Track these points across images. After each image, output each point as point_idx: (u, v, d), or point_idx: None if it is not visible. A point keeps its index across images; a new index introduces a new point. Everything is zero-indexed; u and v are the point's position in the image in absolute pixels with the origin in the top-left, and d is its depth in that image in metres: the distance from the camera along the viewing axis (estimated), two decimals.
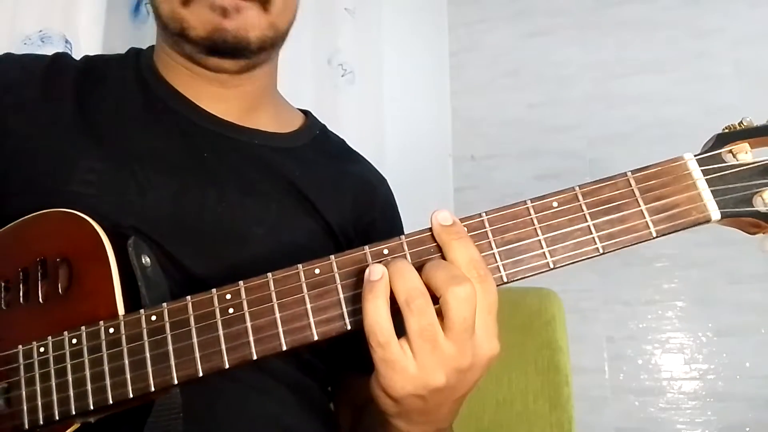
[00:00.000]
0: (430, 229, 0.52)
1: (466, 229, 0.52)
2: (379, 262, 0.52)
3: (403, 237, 0.53)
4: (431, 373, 0.50)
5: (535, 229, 0.52)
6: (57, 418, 0.54)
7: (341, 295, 0.52)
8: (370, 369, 0.52)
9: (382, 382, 0.51)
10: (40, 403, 0.55)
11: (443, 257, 0.51)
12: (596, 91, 2.09)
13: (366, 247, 0.53)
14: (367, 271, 0.50)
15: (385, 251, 0.52)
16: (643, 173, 0.53)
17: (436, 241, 0.52)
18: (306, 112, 0.91)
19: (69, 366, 0.55)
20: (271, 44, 0.75)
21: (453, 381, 0.51)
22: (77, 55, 0.83)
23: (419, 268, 0.50)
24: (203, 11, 0.70)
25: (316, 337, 0.51)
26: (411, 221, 0.87)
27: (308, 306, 0.52)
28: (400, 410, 0.54)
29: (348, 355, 0.77)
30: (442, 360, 0.49)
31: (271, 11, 0.73)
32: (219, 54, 0.73)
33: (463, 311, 0.48)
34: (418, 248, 0.52)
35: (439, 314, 0.49)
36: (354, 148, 0.93)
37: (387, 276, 0.49)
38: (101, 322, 0.55)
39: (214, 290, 0.53)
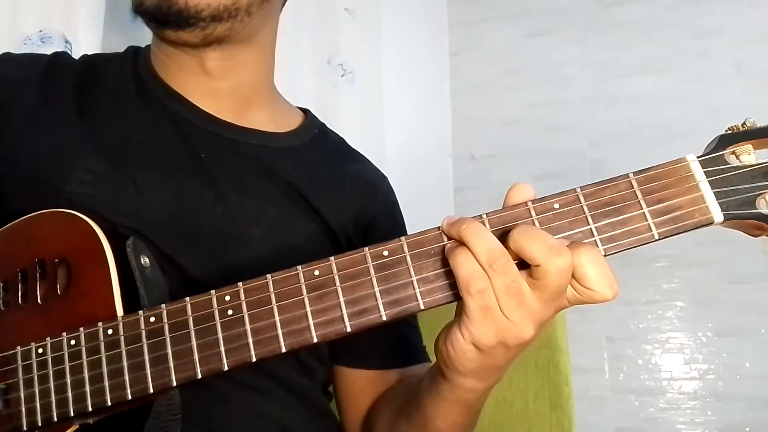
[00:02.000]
0: (431, 230, 0.52)
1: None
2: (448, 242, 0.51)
3: (403, 238, 0.52)
4: (522, 326, 0.50)
5: None
6: (55, 419, 0.54)
7: (341, 297, 0.51)
8: (378, 364, 0.52)
9: (475, 333, 0.51)
10: (38, 405, 0.55)
11: (445, 258, 0.51)
12: (596, 91, 2.09)
13: (366, 248, 0.52)
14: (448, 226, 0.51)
15: (385, 252, 0.52)
16: (645, 175, 0.52)
17: (436, 243, 0.52)
18: (305, 111, 0.90)
19: (67, 367, 0.54)
20: (228, 14, 0.72)
21: (536, 333, 0.51)
22: (77, 56, 0.83)
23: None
24: None
25: (315, 340, 0.51)
26: (411, 221, 0.87)
27: (308, 308, 0.51)
28: (481, 363, 0.54)
29: (357, 352, 0.78)
30: (530, 314, 0.50)
31: None
32: (170, 25, 0.71)
33: (560, 279, 0.49)
34: (418, 249, 0.52)
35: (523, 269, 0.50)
36: (353, 147, 0.93)
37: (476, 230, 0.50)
38: (100, 324, 0.55)
39: (213, 292, 0.53)
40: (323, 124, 0.90)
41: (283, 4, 0.84)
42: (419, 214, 0.90)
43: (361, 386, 0.80)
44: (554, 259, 0.48)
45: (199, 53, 0.75)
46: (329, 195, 0.78)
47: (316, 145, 0.84)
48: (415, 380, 0.69)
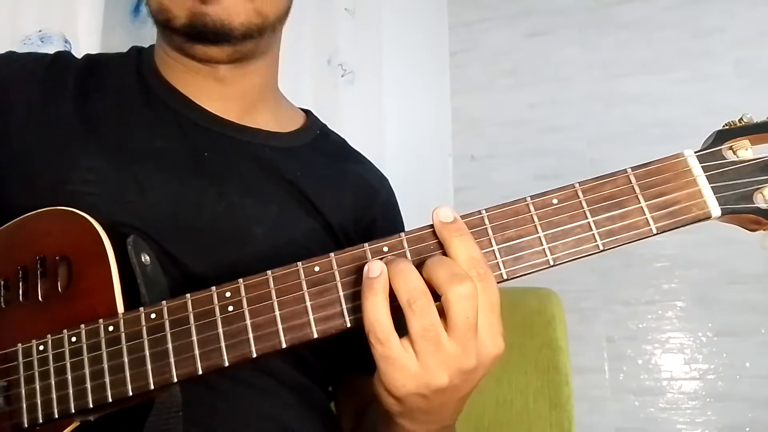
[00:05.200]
0: (431, 226, 0.52)
1: (466, 225, 0.52)
2: (380, 259, 0.51)
3: (402, 234, 0.53)
4: (434, 373, 0.49)
5: (535, 225, 0.52)
6: (56, 416, 0.54)
7: (341, 293, 0.52)
8: (371, 368, 0.52)
9: (384, 381, 0.51)
10: (39, 402, 0.55)
11: (444, 254, 0.51)
12: (596, 91, 2.09)
13: (366, 244, 0.53)
14: (365, 267, 0.50)
15: (385, 248, 0.52)
16: (643, 170, 0.52)
17: (436, 239, 0.52)
18: (307, 111, 0.90)
19: (68, 364, 0.55)
20: (258, 31, 0.73)
21: (457, 381, 0.51)
22: (77, 55, 0.83)
23: (419, 265, 0.50)
24: None
25: (315, 335, 0.51)
26: (411, 221, 0.87)
27: (308, 304, 0.52)
28: (403, 409, 0.54)
29: (349, 355, 0.77)
30: (446, 360, 0.49)
31: None
32: (202, 41, 0.72)
33: (465, 310, 0.48)
34: (417, 245, 0.52)
35: (441, 313, 0.49)
36: (355, 148, 0.93)
37: (386, 273, 0.49)
38: (101, 320, 0.55)
39: (213, 288, 0.53)
40: (325, 125, 0.90)
41: None
42: (419, 214, 0.89)
43: (356, 389, 0.80)
44: (455, 287, 0.47)
45: (217, 65, 0.76)
46: (330, 195, 0.79)
47: (318, 145, 0.84)
48: None
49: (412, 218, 0.88)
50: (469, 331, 0.49)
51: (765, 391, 1.80)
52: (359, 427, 0.78)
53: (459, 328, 0.48)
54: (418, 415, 0.55)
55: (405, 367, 0.49)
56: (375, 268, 0.49)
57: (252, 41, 0.74)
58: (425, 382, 0.50)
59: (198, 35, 0.71)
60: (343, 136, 0.93)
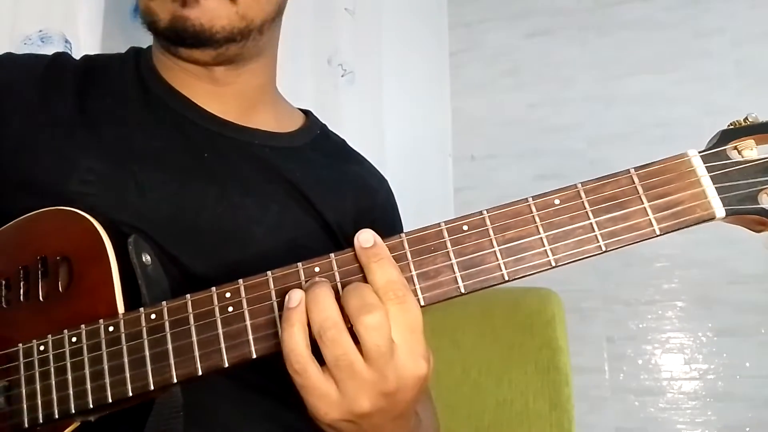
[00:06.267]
0: (431, 227, 0.52)
1: (467, 226, 0.52)
2: (306, 280, 0.52)
3: (403, 235, 0.52)
4: (355, 399, 0.50)
5: (537, 226, 0.52)
6: (57, 416, 0.54)
7: (341, 293, 0.52)
8: None
9: (308, 409, 0.51)
10: (39, 402, 0.55)
11: (445, 254, 0.51)
12: (596, 91, 2.09)
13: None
14: (286, 297, 0.50)
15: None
16: (646, 170, 0.52)
17: (437, 239, 0.52)
18: (306, 112, 0.90)
19: (69, 364, 0.55)
20: (241, 35, 0.73)
21: (381, 404, 0.51)
22: (77, 55, 0.83)
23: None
24: (165, 2, 0.70)
25: None
26: (411, 222, 0.87)
27: None
28: None
29: None
30: (364, 386, 0.49)
31: (238, 1, 0.71)
32: (183, 44, 0.72)
33: (375, 339, 0.48)
34: (418, 246, 0.52)
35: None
36: (355, 149, 0.93)
37: (304, 302, 0.50)
38: (101, 321, 0.55)
39: (213, 288, 0.53)
40: (324, 126, 0.90)
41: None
42: (419, 214, 0.90)
43: None
44: (363, 318, 0.48)
45: (211, 67, 0.76)
46: (330, 195, 0.79)
47: (318, 146, 0.84)
48: None
49: (411, 219, 0.88)
50: (382, 357, 0.49)
51: (765, 391, 1.81)
52: None
53: (372, 355, 0.48)
54: None
55: (325, 395, 0.50)
56: (294, 299, 0.50)
57: (236, 44, 0.73)
58: (347, 409, 0.50)
59: (178, 38, 0.71)
60: (343, 136, 0.93)
